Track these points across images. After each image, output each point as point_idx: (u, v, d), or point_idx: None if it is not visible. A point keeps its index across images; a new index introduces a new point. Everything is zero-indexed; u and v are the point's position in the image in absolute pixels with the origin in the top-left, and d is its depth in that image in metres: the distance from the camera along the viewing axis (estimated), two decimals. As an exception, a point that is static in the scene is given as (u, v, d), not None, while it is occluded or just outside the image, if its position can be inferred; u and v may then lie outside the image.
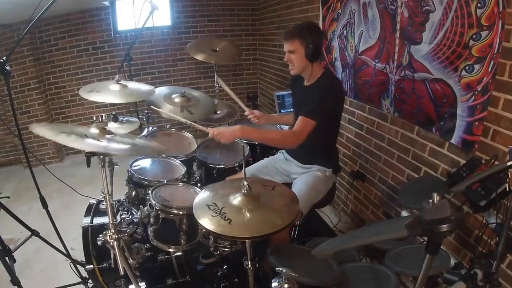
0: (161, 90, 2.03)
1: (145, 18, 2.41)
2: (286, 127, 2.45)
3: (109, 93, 1.79)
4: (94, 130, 1.19)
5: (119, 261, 1.17)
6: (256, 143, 2.25)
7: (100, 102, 3.64)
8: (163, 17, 3.91)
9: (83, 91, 1.76)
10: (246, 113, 1.98)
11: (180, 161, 2.02)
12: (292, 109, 2.90)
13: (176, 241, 1.59)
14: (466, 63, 1.48)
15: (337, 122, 1.80)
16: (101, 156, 1.22)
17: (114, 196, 1.74)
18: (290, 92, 2.10)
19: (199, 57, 2.52)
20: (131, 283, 1.38)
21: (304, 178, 1.76)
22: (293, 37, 1.62)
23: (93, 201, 1.81)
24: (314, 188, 1.72)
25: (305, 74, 1.73)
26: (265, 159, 2.01)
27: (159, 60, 4.03)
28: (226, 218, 1.13)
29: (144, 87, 1.96)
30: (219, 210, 1.17)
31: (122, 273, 1.19)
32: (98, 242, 1.38)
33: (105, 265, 1.58)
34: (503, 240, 1.05)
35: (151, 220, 1.59)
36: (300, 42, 1.61)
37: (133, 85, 1.94)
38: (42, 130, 1.05)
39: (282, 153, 1.99)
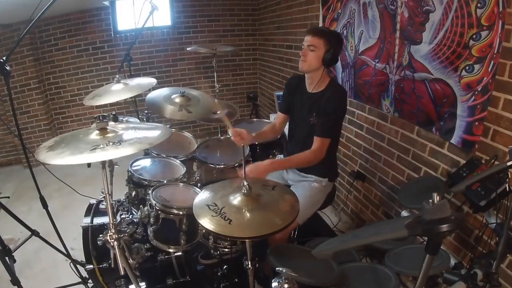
0: (161, 91, 2.03)
1: (145, 18, 2.41)
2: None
3: (111, 93, 1.79)
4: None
5: (119, 261, 1.17)
6: (256, 143, 2.26)
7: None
8: (163, 17, 3.91)
9: (87, 100, 1.76)
10: (230, 132, 1.61)
11: (180, 161, 2.02)
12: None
13: (176, 241, 1.58)
14: (466, 63, 1.48)
15: (341, 129, 1.78)
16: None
17: (114, 196, 1.74)
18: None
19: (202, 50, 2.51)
20: (131, 283, 1.38)
21: (300, 189, 1.72)
22: (321, 35, 1.59)
23: (93, 201, 1.81)
24: (311, 200, 1.72)
25: (311, 77, 1.68)
26: None
27: (159, 60, 4.03)
28: (226, 218, 1.13)
29: (144, 80, 1.96)
30: (219, 210, 1.17)
31: (122, 273, 1.18)
32: (98, 242, 1.38)
33: (105, 265, 1.58)
34: (503, 240, 1.05)
35: (151, 220, 1.59)
36: (325, 43, 1.58)
37: (133, 81, 1.93)
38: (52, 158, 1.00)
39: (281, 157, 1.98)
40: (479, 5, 1.39)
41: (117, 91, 1.81)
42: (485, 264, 1.11)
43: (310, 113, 1.69)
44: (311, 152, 1.62)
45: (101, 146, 1.03)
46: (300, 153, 1.63)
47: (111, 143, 1.05)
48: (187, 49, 2.93)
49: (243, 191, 1.21)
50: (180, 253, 1.61)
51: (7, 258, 1.46)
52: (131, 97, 1.85)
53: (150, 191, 1.64)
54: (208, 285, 1.79)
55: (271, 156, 2.21)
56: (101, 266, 1.59)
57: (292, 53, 3.32)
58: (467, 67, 1.48)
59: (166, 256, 1.64)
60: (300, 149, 1.71)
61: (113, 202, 1.70)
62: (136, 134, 1.15)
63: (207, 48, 2.76)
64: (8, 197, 3.05)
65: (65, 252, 1.80)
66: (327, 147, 1.63)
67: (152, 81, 1.92)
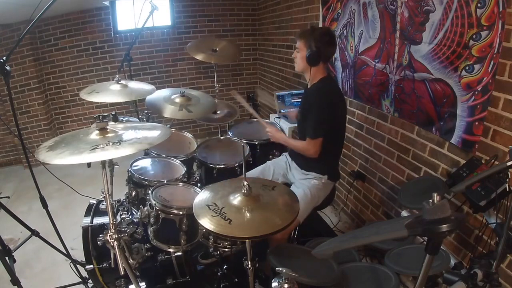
0: (161, 92, 2.04)
1: (145, 18, 2.41)
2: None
3: (109, 93, 1.79)
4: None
5: (119, 261, 1.17)
6: (256, 143, 2.26)
7: (100, 102, 3.64)
8: (163, 17, 3.91)
9: (83, 93, 1.76)
10: (267, 129, 1.94)
11: (180, 161, 2.02)
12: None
13: (176, 241, 1.59)
14: (466, 63, 1.48)
15: (339, 128, 1.80)
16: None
17: (114, 196, 1.74)
18: (291, 92, 2.12)
19: (199, 57, 2.51)
20: (131, 283, 1.38)
21: (300, 187, 1.76)
22: (300, 37, 1.68)
23: (93, 201, 1.81)
24: (311, 197, 1.72)
25: (306, 76, 1.77)
26: (267, 162, 2.01)
27: (159, 60, 4.03)
28: (226, 218, 1.13)
29: (144, 86, 1.97)
30: (219, 210, 1.17)
31: (122, 273, 1.18)
32: (98, 242, 1.38)
33: (105, 265, 1.58)
34: (503, 240, 1.05)
35: (151, 220, 1.59)
36: (304, 44, 1.66)
37: (133, 84, 1.94)
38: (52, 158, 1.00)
39: (285, 155, 2.00)
40: (479, 5, 1.39)
41: (115, 92, 1.81)
42: (485, 264, 1.11)
43: (300, 108, 1.80)
44: (305, 147, 1.70)
45: (101, 146, 1.04)
46: (302, 141, 1.73)
47: (111, 143, 1.05)
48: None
49: (243, 191, 1.21)
50: (180, 253, 1.61)
51: (7, 258, 1.46)
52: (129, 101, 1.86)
53: (150, 191, 1.64)
54: (208, 285, 1.79)
55: (271, 156, 2.21)
56: (101, 266, 1.59)
57: (292, 53, 3.31)
58: (467, 67, 1.48)
59: (166, 256, 1.64)
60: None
61: (113, 202, 1.70)
62: (136, 134, 1.15)
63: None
64: (8, 197, 3.05)
65: (65, 252, 1.80)
66: (320, 145, 1.66)
67: (151, 88, 1.94)
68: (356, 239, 0.85)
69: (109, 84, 1.86)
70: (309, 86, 1.78)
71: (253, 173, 1.92)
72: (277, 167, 1.94)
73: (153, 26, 3.86)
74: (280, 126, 2.58)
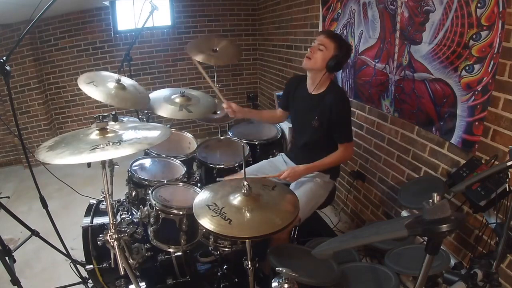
0: (161, 92, 2.04)
1: (145, 18, 2.41)
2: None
3: (105, 90, 1.72)
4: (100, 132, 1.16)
5: (119, 261, 1.17)
6: (256, 143, 2.26)
7: (100, 102, 3.62)
8: (163, 17, 3.91)
9: (81, 81, 1.68)
10: (223, 105, 1.87)
11: (180, 161, 2.02)
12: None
13: (176, 241, 1.59)
14: (466, 63, 1.48)
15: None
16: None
17: (114, 196, 1.74)
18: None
19: (199, 58, 2.50)
20: (131, 283, 1.39)
21: (303, 185, 1.75)
22: (334, 39, 1.62)
23: (93, 201, 1.81)
24: (313, 195, 1.73)
25: (312, 78, 1.70)
26: (264, 160, 2.01)
27: (159, 60, 4.03)
28: (226, 218, 1.13)
29: (139, 95, 1.89)
30: (219, 210, 1.17)
31: (122, 273, 1.18)
32: (98, 242, 1.38)
33: (105, 265, 1.58)
34: (503, 240, 1.05)
35: (151, 220, 1.59)
36: (335, 47, 1.61)
37: (130, 88, 1.87)
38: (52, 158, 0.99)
39: (281, 155, 1.99)
40: (479, 5, 1.39)
41: (114, 95, 1.74)
42: (485, 264, 1.11)
43: (312, 115, 1.70)
44: (342, 156, 1.72)
45: (101, 146, 1.04)
46: (330, 155, 1.70)
47: (111, 143, 1.05)
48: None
49: (243, 191, 1.21)
50: (180, 253, 1.61)
51: (7, 258, 1.46)
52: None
53: (150, 191, 1.64)
54: (208, 285, 1.79)
55: (271, 156, 2.21)
56: (101, 266, 1.59)
57: (292, 53, 3.32)
58: (467, 67, 1.48)
59: (166, 256, 1.64)
60: (306, 152, 1.79)
61: (113, 202, 1.70)
62: (136, 134, 1.15)
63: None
64: (8, 197, 3.05)
65: (65, 252, 1.80)
66: (352, 147, 1.77)
67: (146, 94, 1.92)
68: (356, 239, 0.85)
69: (108, 79, 1.80)
70: (315, 92, 1.71)
71: (249, 170, 1.90)
72: (275, 166, 1.93)
73: (153, 26, 3.86)
74: (280, 126, 2.58)
